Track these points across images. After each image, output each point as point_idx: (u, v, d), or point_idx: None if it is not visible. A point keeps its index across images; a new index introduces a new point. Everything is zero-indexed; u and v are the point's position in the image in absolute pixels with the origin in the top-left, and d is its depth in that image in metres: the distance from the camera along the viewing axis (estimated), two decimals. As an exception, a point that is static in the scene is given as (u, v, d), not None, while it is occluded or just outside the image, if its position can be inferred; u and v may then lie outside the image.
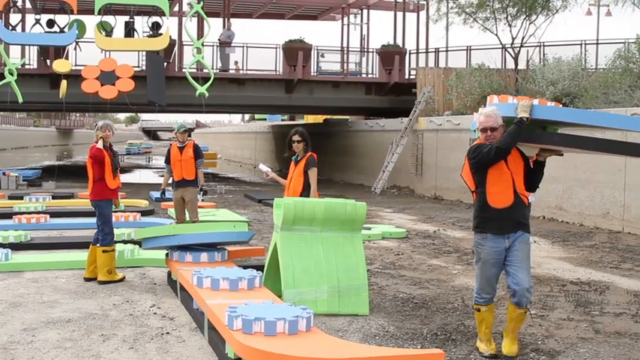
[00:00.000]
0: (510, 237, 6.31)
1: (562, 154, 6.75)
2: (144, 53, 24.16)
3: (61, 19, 20.48)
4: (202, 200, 17.66)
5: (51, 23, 20.42)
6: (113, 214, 10.33)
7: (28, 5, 26.90)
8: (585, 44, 25.40)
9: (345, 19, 34.24)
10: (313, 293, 7.72)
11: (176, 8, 28.11)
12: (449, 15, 29.01)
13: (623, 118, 6.81)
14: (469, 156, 6.43)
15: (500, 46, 26.73)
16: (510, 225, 6.29)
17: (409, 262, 11.36)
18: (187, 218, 11.93)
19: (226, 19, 29.78)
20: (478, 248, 6.46)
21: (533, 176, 6.43)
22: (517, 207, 6.29)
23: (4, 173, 24.68)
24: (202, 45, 19.72)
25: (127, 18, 21.13)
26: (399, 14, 31.67)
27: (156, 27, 20.85)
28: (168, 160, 11.97)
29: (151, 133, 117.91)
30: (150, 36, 21.13)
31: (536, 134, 6.31)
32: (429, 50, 30.45)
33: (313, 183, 9.05)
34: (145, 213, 16.17)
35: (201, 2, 19.20)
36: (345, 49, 31.42)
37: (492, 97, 6.62)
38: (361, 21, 34.85)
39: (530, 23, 25.95)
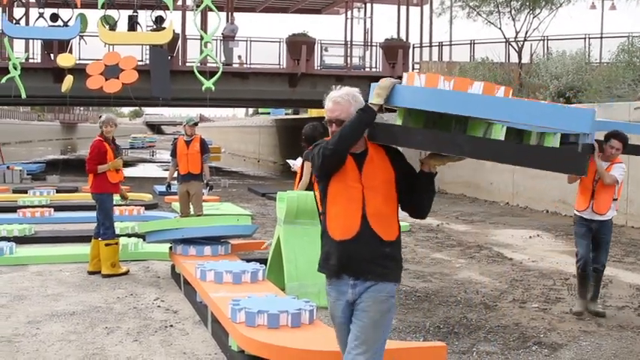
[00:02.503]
0: (357, 286, 4.06)
1: (463, 158, 4.11)
2: (147, 47, 24.20)
3: (65, 13, 20.54)
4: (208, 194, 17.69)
5: (55, 17, 20.48)
6: (117, 207, 10.35)
7: (32, -1, 26.97)
8: (589, 38, 25.35)
9: (349, 12, 34.16)
10: (316, 286, 7.74)
11: (179, 2, 28.10)
12: (452, 9, 28.96)
13: (533, 107, 3.93)
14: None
15: (504, 40, 26.70)
16: (353, 267, 4.06)
17: (412, 255, 11.38)
18: (192, 212, 11.95)
19: (230, 13, 29.77)
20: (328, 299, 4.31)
21: (416, 195, 4.14)
22: (366, 240, 4.02)
23: (8, 167, 24.74)
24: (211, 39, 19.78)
25: (130, 12, 21.18)
26: (403, 8, 31.61)
27: (159, 21, 20.88)
28: (174, 154, 11.98)
29: (155, 127, 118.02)
30: (153, 30, 21.16)
31: (387, 131, 4.08)
32: (433, 44, 30.40)
33: (305, 176, 9.10)
34: (148, 207, 16.21)
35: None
36: (349, 42, 31.37)
37: (413, 74, 4.12)
38: (365, 15, 34.80)
39: (534, 17, 25.91)
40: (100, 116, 10.04)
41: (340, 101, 4.04)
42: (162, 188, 18.20)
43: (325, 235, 4.14)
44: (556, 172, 3.88)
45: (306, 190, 9.05)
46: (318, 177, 4.16)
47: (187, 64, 26.10)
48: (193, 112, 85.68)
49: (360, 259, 4.03)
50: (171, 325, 7.20)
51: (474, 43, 28.25)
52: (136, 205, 15.28)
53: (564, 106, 4.03)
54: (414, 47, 30.32)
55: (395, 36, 30.59)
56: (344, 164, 4.04)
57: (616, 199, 7.96)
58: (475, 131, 4.01)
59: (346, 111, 4.03)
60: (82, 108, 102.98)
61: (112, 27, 19.93)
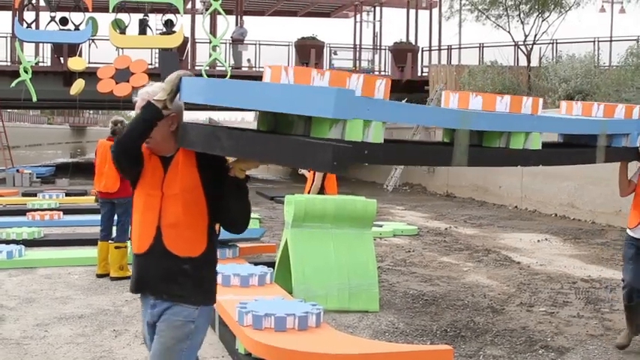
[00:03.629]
0: (156, 306, 3.66)
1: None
2: (157, 51, 24.28)
3: (76, 17, 20.61)
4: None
5: (65, 21, 20.54)
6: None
7: (43, 3, 27.10)
8: (598, 41, 25.30)
9: (358, 16, 34.20)
10: (323, 289, 7.76)
11: (189, 6, 28.19)
12: (461, 12, 28.95)
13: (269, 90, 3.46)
14: None
15: (513, 43, 26.67)
16: (149, 284, 3.66)
17: (420, 259, 11.39)
18: None
19: (239, 17, 29.84)
20: None
21: (223, 203, 3.67)
22: (159, 255, 3.60)
23: (18, 170, 24.83)
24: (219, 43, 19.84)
25: (141, 15, 21.25)
26: (412, 11, 31.63)
27: (170, 24, 20.95)
28: None
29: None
30: (163, 33, 21.23)
31: (184, 133, 3.63)
32: (442, 47, 30.39)
33: (317, 180, 9.17)
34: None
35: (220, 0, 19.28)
36: (358, 46, 31.40)
37: (311, 70, 3.61)
38: (374, 18, 34.81)
39: (542, 20, 25.88)
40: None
41: (145, 97, 3.65)
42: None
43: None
44: (304, 167, 3.67)
45: (318, 194, 9.12)
46: (124, 177, 3.76)
47: (196, 68, 26.18)
48: (202, 116, 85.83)
49: (153, 277, 3.62)
50: (179, 328, 7.22)
51: (482, 47, 28.23)
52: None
53: (304, 86, 3.37)
54: (422, 51, 30.33)
55: (404, 39, 30.62)
56: (143, 166, 3.65)
57: None
58: (319, 132, 3.50)
59: None
60: (91, 111, 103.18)
61: (123, 30, 20.00)
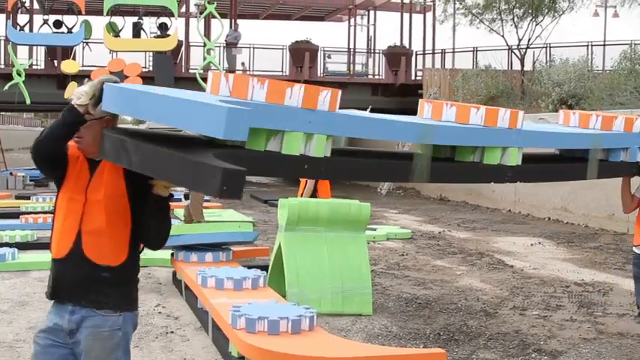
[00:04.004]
0: (75, 313, 3.46)
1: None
2: (151, 54, 24.29)
3: (69, 20, 20.61)
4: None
5: (59, 24, 20.54)
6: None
7: (36, 6, 27.06)
8: (592, 45, 25.37)
9: (352, 20, 34.25)
10: (317, 293, 7.77)
11: (183, 9, 28.19)
12: (455, 16, 29.01)
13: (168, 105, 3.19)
14: None
15: (507, 47, 26.72)
16: (66, 290, 3.49)
17: (413, 262, 11.40)
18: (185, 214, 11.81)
19: (233, 20, 29.85)
20: None
21: (145, 218, 3.45)
22: (77, 262, 3.45)
23: (11, 173, 24.78)
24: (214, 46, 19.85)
25: (135, 19, 21.25)
26: (406, 15, 31.69)
27: (164, 28, 20.95)
28: None
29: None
30: (157, 36, 21.24)
31: (101, 140, 3.37)
32: (436, 51, 30.44)
33: (310, 183, 9.19)
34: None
35: (215, 3, 19.30)
36: (352, 50, 31.45)
37: (249, 79, 3.46)
38: (368, 22, 34.89)
39: (536, 25, 25.94)
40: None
41: (82, 94, 3.37)
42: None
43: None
44: (198, 190, 3.08)
45: (311, 197, 9.13)
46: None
47: (190, 71, 26.18)
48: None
49: (71, 283, 3.46)
50: (172, 332, 7.23)
51: (476, 51, 28.28)
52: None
53: (198, 102, 3.01)
54: (416, 54, 30.37)
55: (398, 43, 30.67)
56: (66, 169, 3.49)
57: None
58: (256, 145, 3.38)
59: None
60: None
61: (117, 34, 20.00)
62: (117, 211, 3.43)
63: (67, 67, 19.57)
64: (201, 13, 21.91)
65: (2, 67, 26.37)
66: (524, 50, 26.01)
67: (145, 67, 24.64)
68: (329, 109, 3.58)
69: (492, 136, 4.53)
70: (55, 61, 25.10)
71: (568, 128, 5.78)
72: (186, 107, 3.01)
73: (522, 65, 25.77)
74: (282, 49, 28.69)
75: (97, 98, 3.33)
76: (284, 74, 28.67)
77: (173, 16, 20.15)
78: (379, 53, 30.69)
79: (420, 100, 4.95)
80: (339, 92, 3.66)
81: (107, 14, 19.34)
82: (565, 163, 5.68)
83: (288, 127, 3.37)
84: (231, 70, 27.75)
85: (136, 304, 3.60)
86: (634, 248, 6.46)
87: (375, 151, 4.51)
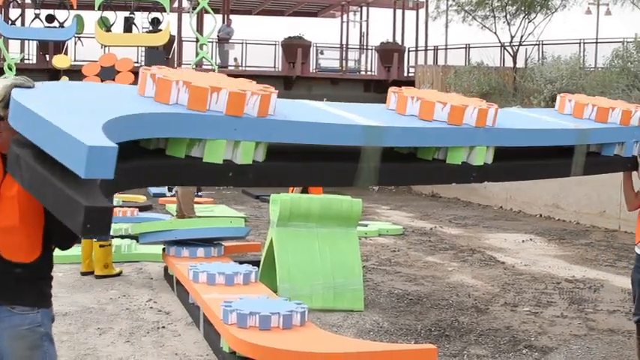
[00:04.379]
0: None
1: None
2: (143, 49, 24.22)
3: (61, 14, 20.54)
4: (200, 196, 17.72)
5: (50, 18, 20.46)
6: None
7: (28, 0, 26.98)
8: (584, 43, 25.40)
9: (345, 16, 34.22)
10: (308, 288, 7.77)
11: (175, 4, 28.12)
12: (448, 13, 29.01)
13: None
14: None
15: (499, 44, 26.74)
16: None
17: (405, 258, 11.41)
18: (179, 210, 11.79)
19: (226, 16, 29.80)
20: None
21: (54, 222, 3.04)
22: None
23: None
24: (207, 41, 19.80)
25: (127, 13, 21.17)
26: (399, 12, 31.67)
27: (156, 22, 20.89)
28: None
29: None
30: (149, 31, 21.16)
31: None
32: (428, 48, 30.43)
33: None
34: (142, 208, 16.20)
35: (208, -3, 19.24)
36: (345, 46, 31.41)
37: (171, 83, 3.41)
38: (360, 18, 34.83)
39: (529, 22, 25.96)
40: None
41: None
42: (157, 190, 18.20)
43: None
44: (69, 225, 2.55)
45: (302, 192, 9.12)
46: None
47: (183, 66, 26.10)
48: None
49: None
50: (164, 327, 7.22)
51: (469, 48, 28.27)
52: (129, 207, 15.26)
53: (64, 131, 2.57)
54: (409, 51, 30.36)
55: (390, 40, 30.65)
56: None
57: None
58: (176, 152, 3.28)
59: None
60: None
61: (109, 28, 19.93)
62: (31, 208, 3.29)
63: (59, 61, 19.48)
64: (193, 9, 21.83)
65: (-7, 61, 26.29)
66: (516, 47, 26.03)
67: (137, 62, 24.58)
68: (258, 115, 3.46)
69: (453, 137, 4.27)
70: (47, 56, 25.01)
71: (555, 121, 5.36)
72: (55, 134, 2.61)
73: (515, 62, 25.79)
74: (275, 44, 28.66)
75: (7, 100, 3.08)
76: (277, 70, 28.64)
77: (165, 11, 20.06)
78: (372, 49, 30.67)
79: (389, 89, 4.62)
80: (273, 96, 3.52)
81: (99, 9, 19.25)
82: (548, 159, 5.29)
83: (209, 135, 3.25)
84: (223, 65, 27.75)
85: (50, 300, 3.52)
86: (636, 248, 5.88)
87: (323, 149, 4.03)
